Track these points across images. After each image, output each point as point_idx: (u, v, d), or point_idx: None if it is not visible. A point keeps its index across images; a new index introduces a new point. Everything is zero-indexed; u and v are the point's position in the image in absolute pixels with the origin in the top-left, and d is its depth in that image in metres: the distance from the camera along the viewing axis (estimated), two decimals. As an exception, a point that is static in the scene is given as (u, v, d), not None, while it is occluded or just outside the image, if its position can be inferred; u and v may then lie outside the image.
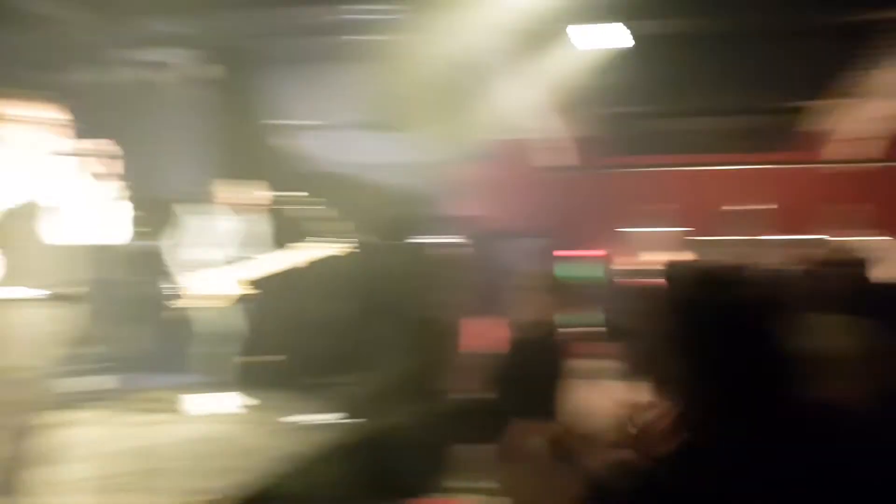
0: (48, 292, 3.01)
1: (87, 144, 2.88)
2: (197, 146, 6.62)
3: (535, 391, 3.38)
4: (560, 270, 5.98)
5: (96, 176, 2.86)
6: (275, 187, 5.29)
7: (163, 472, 3.83)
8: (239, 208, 5.45)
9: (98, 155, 2.85)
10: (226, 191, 5.42)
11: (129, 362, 5.96)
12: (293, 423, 5.08)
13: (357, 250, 5.44)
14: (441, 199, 6.36)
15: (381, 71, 6.10)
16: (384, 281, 5.84)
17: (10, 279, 2.94)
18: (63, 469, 3.41)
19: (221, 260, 5.39)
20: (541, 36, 5.93)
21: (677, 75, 6.56)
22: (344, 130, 6.54)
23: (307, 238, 5.43)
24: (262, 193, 5.51)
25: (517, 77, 6.25)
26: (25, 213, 2.98)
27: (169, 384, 5.87)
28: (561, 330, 3.86)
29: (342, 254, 5.39)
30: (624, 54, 6.42)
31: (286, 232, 5.51)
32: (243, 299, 5.49)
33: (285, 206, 5.20)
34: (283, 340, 6.18)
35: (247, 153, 6.17)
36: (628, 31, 6.23)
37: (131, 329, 4.82)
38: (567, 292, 4.27)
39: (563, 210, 7.11)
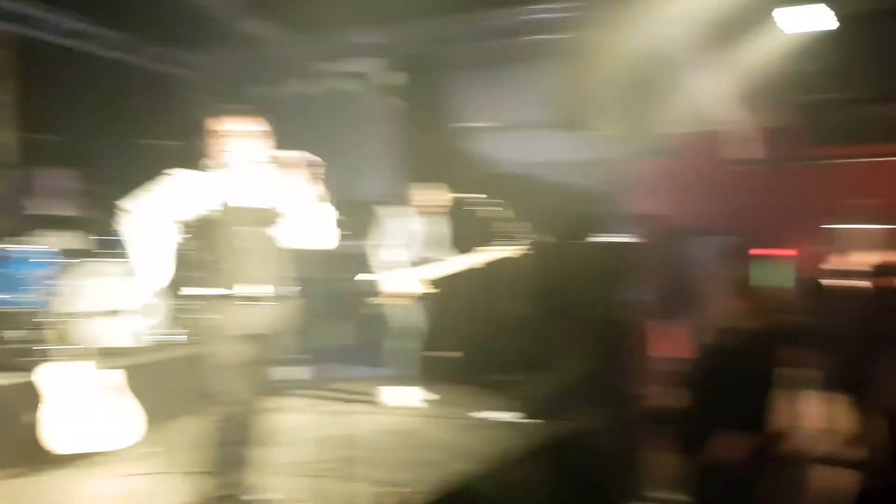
0: (275, 290, 3.29)
1: (296, 154, 3.11)
2: (387, 151, 6.92)
3: (734, 400, 3.19)
4: (755, 272, 5.60)
5: (306, 183, 3.08)
6: (459, 189, 5.41)
7: (358, 461, 4.04)
8: (426, 210, 5.65)
9: (306, 164, 3.07)
10: (414, 193, 5.63)
11: (328, 355, 6.37)
12: (478, 420, 5.18)
13: (537, 250, 5.43)
14: (623, 197, 6.18)
15: (565, 69, 6.04)
16: (564, 281, 5.81)
17: (242, 278, 3.25)
18: (270, 453, 3.69)
19: (411, 260, 5.61)
20: (738, 22, 5.59)
21: (885, 57, 5.93)
22: (526, 130, 6.55)
23: (490, 238, 5.51)
24: (447, 195, 5.67)
25: (709, 66, 5.93)
26: (254, 219, 3.27)
27: (364, 376, 6.22)
28: (759, 335, 3.62)
29: (523, 254, 5.41)
30: (826, 37, 5.90)
31: (470, 232, 5.61)
32: (427, 297, 5.68)
33: (469, 208, 5.30)
34: (463, 338, 6.31)
35: (434, 156, 6.36)
36: (832, 13, 5.72)
37: (331, 324, 5.17)
38: (763, 295, 3.99)
39: (756, 207, 6.64)
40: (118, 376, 4.42)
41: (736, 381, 3.20)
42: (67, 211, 5.65)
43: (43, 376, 4.15)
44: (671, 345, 5.11)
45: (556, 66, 6.11)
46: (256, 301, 3.24)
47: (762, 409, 3.22)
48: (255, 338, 3.31)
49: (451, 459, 4.35)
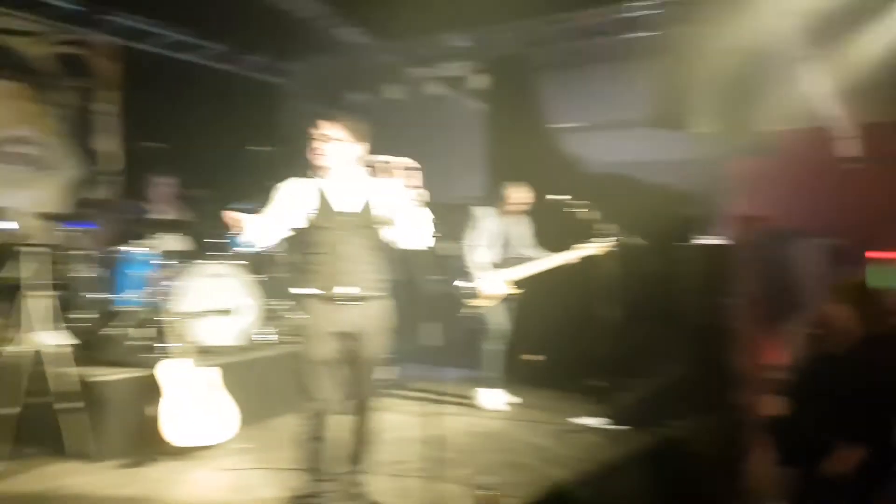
0: (368, 291, 3.38)
1: (393, 158, 3.15)
2: (478, 153, 6.93)
3: (846, 410, 3.01)
4: (870, 275, 5.27)
5: (403, 187, 3.11)
6: (549, 190, 5.35)
7: (448, 462, 4.03)
8: (514, 210, 5.62)
9: (403, 168, 3.10)
10: (503, 194, 5.60)
11: (417, 355, 6.40)
12: (568, 425, 5.10)
13: (628, 252, 5.30)
14: (721, 198, 5.95)
15: (660, 66, 5.88)
16: (657, 284, 5.64)
17: (335, 279, 3.34)
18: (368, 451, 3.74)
19: (501, 260, 5.60)
20: (850, 14, 5.29)
21: None
22: (619, 130, 6.41)
23: (578, 239, 5.42)
24: (535, 196, 5.62)
25: (815, 60, 5.64)
26: (349, 222, 3.35)
27: (452, 378, 6.24)
28: (874, 341, 3.39)
29: (612, 255, 5.29)
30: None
31: (558, 233, 5.54)
32: (513, 298, 5.64)
33: (558, 208, 5.23)
34: (548, 340, 6.23)
35: (524, 158, 6.31)
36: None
37: (421, 324, 5.20)
38: (878, 299, 3.74)
39: (862, 207, 6.26)
40: (217, 374, 4.58)
41: (848, 389, 3.01)
42: (175, 215, 5.92)
43: (162, 372, 4.35)
44: (774, 351, 4.87)
45: (650, 64, 5.96)
46: (348, 301, 3.33)
47: (878, 421, 3.02)
48: (345, 336, 3.39)
49: (543, 464, 4.30)
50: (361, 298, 3.35)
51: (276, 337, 5.67)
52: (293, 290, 3.46)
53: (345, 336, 3.39)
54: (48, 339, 4.33)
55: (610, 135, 6.53)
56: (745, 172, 6.26)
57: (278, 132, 8.10)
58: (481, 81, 6.82)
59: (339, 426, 3.60)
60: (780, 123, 5.96)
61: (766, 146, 6.26)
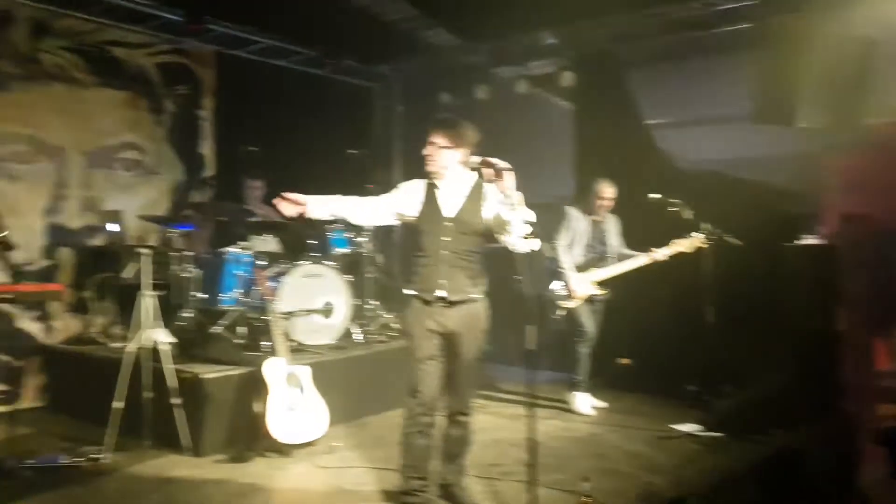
0: (465, 292, 3.43)
1: (495, 160, 3.13)
2: (568, 151, 6.84)
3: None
4: None
5: (506, 188, 3.10)
6: (642, 188, 5.21)
7: (543, 466, 3.98)
8: (605, 209, 5.51)
9: (503, 169, 3.08)
10: (594, 193, 5.50)
11: (507, 357, 6.38)
12: (663, 431, 4.97)
13: (725, 252, 5.11)
14: (827, 196, 5.66)
15: (761, 58, 5.65)
16: (757, 286, 5.41)
17: (435, 280, 3.40)
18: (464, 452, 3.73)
19: (588, 260, 5.50)
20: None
21: None
22: (716, 125, 6.19)
23: (671, 238, 5.27)
24: (626, 194, 5.49)
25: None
26: (451, 224, 3.41)
27: (542, 380, 6.17)
28: None
29: (708, 254, 5.11)
30: None
31: (650, 232, 5.40)
32: (600, 299, 5.53)
33: (654, 207, 5.09)
34: (636, 343, 6.08)
35: (616, 155, 6.18)
36: None
37: (512, 326, 5.17)
38: None
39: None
40: (308, 372, 4.68)
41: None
42: (271, 217, 6.08)
43: (268, 370, 4.49)
44: (885, 357, 4.61)
45: (749, 57, 5.73)
46: (444, 304, 3.39)
47: None
48: (443, 336, 3.44)
49: (641, 471, 4.19)
50: (458, 302, 3.41)
51: (364, 336, 5.75)
52: (404, 291, 3.52)
53: (443, 336, 3.45)
54: (159, 336, 4.53)
55: (706, 131, 6.32)
56: (851, 168, 5.94)
57: (369, 135, 8.23)
58: (569, 79, 6.71)
59: (438, 426, 3.63)
60: (889, 117, 5.63)
61: (875, 141, 5.92)
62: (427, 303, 3.43)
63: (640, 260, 5.38)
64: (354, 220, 3.63)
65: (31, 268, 5.69)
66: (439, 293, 3.39)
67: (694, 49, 6.20)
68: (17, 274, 5.14)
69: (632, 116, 6.44)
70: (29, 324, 5.70)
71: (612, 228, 5.61)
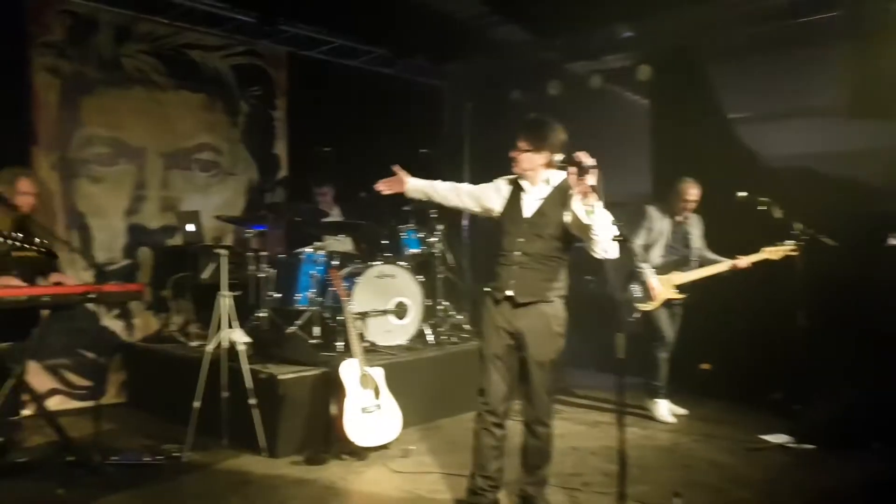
0: (543, 296, 3.36)
1: (579, 154, 3.00)
2: (646, 148, 6.63)
3: None
4: None
5: (589, 189, 2.96)
6: (724, 186, 4.97)
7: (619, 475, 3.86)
8: (686, 209, 5.29)
9: (587, 165, 2.95)
10: (674, 191, 5.29)
11: (585, 361, 6.24)
12: (749, 441, 4.74)
13: (814, 254, 4.82)
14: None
15: (853, 49, 5.33)
16: (846, 289, 5.12)
17: (511, 280, 3.36)
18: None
19: (667, 262, 5.30)
20: None
21: None
22: (804, 119, 5.87)
23: (756, 240, 5.01)
24: (708, 193, 5.26)
25: None
26: (531, 225, 3.36)
27: (619, 386, 5.97)
28: None
29: (794, 257, 4.84)
30: None
31: (734, 233, 5.16)
32: (680, 302, 5.32)
33: (738, 206, 4.84)
34: (716, 348, 5.83)
35: (696, 152, 5.94)
36: None
37: (590, 330, 5.03)
38: None
39: None
40: (382, 373, 4.64)
41: None
42: (343, 217, 6.08)
43: (345, 372, 4.47)
44: None
45: (840, 46, 5.41)
46: (515, 304, 3.37)
47: None
48: (513, 337, 3.40)
49: (729, 485, 3.99)
50: (526, 303, 3.36)
51: (435, 337, 5.69)
52: (484, 288, 3.54)
53: (512, 335, 3.41)
54: (237, 336, 4.56)
55: (791, 125, 6.00)
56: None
57: (439, 133, 8.17)
58: (646, 73, 6.48)
59: (513, 432, 3.52)
60: None
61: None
62: (497, 302, 3.43)
63: (722, 267, 5.15)
64: (446, 203, 3.66)
65: (112, 267, 5.85)
66: (508, 293, 3.38)
67: (779, 40, 5.88)
68: (100, 273, 5.26)
69: (713, 111, 6.17)
70: (112, 321, 5.87)
71: (695, 230, 5.38)
